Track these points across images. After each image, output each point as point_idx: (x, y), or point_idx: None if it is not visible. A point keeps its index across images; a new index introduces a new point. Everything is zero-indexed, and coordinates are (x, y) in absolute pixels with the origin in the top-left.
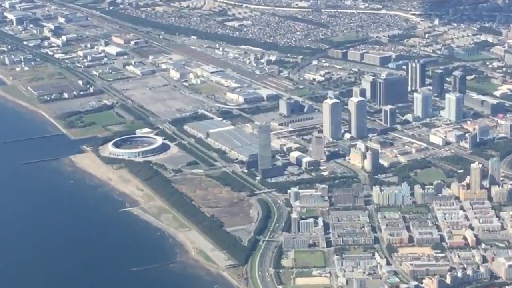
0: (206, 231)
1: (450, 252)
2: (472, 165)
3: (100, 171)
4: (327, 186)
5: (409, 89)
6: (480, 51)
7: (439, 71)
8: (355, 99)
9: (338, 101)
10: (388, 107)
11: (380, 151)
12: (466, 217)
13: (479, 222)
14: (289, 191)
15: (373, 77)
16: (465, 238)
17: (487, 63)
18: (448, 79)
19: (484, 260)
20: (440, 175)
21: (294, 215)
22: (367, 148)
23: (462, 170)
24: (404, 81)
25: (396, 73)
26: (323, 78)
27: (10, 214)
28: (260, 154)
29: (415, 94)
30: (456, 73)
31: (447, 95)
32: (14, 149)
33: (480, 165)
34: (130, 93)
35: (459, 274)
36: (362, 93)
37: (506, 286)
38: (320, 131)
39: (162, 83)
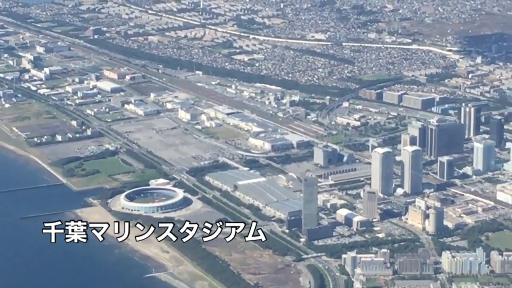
0: None
1: None
2: None
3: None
4: (388, 251)
5: None
6: None
7: (497, 117)
8: (409, 148)
9: (390, 150)
10: (445, 159)
11: None
12: None
13: None
14: (344, 256)
15: (422, 124)
16: None
17: None
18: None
19: None
20: None
21: (357, 285)
22: (427, 207)
23: None
24: (462, 128)
25: (448, 118)
26: (358, 123)
27: (13, 278)
28: (304, 212)
29: (476, 144)
30: None
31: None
32: (7, 200)
33: None
34: (135, 136)
35: None
36: (412, 141)
37: None
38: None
39: (170, 125)
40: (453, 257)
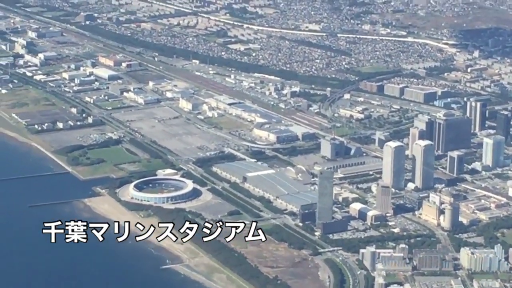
0: None
1: None
2: None
3: (125, 219)
4: (407, 246)
5: None
6: None
7: (504, 112)
8: (421, 143)
9: (403, 144)
10: (455, 153)
11: None
12: None
13: None
14: (362, 250)
15: (429, 118)
16: None
17: None
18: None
19: None
20: None
21: (380, 280)
22: (441, 202)
23: None
24: (469, 123)
25: (455, 113)
26: (362, 116)
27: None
28: (319, 205)
29: (485, 139)
30: None
31: None
32: (13, 189)
33: None
34: (137, 125)
35: None
36: (420, 135)
37: None
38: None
39: (171, 114)
40: (473, 253)
